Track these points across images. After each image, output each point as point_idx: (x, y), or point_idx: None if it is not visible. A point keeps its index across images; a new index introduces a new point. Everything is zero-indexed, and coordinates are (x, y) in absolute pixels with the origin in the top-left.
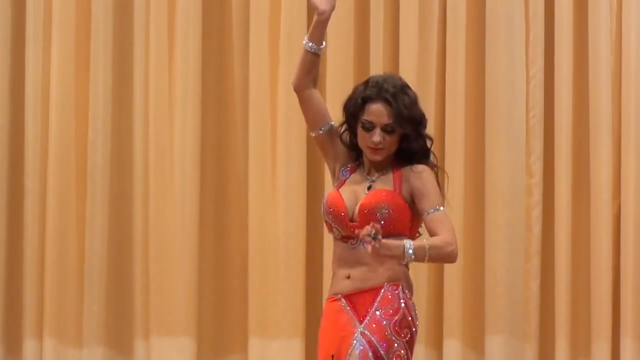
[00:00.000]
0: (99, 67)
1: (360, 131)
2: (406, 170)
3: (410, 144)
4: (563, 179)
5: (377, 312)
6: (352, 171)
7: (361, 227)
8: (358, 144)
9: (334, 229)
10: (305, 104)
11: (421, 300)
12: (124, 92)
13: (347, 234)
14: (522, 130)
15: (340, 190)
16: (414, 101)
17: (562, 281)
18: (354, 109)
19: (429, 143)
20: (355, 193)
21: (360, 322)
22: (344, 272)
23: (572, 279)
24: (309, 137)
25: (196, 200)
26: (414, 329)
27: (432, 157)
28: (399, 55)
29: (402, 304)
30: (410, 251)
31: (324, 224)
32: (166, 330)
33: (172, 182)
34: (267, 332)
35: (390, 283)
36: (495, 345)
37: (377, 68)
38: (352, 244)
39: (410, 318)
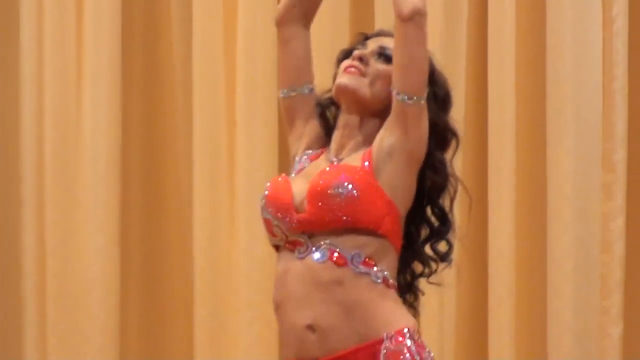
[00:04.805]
0: None
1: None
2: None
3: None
4: None
5: None
6: (316, 158)
7: (311, 219)
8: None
9: (274, 228)
10: (283, 46)
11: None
12: (5, 37)
13: (293, 236)
14: (597, 101)
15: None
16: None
17: None
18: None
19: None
20: (309, 177)
21: None
22: (299, 315)
23: None
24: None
25: (115, 206)
26: None
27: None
28: None
29: None
30: None
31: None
32: None
33: (81, 180)
34: None
35: (394, 331)
36: None
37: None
38: (300, 253)
39: None
